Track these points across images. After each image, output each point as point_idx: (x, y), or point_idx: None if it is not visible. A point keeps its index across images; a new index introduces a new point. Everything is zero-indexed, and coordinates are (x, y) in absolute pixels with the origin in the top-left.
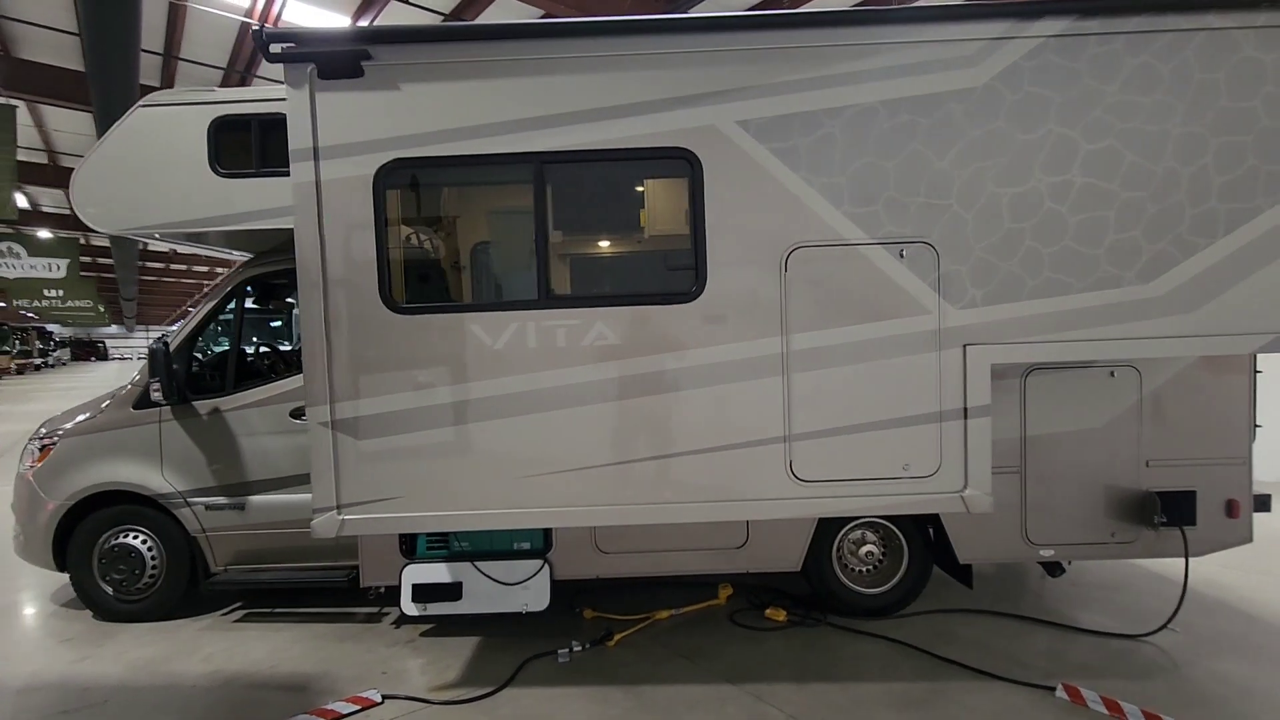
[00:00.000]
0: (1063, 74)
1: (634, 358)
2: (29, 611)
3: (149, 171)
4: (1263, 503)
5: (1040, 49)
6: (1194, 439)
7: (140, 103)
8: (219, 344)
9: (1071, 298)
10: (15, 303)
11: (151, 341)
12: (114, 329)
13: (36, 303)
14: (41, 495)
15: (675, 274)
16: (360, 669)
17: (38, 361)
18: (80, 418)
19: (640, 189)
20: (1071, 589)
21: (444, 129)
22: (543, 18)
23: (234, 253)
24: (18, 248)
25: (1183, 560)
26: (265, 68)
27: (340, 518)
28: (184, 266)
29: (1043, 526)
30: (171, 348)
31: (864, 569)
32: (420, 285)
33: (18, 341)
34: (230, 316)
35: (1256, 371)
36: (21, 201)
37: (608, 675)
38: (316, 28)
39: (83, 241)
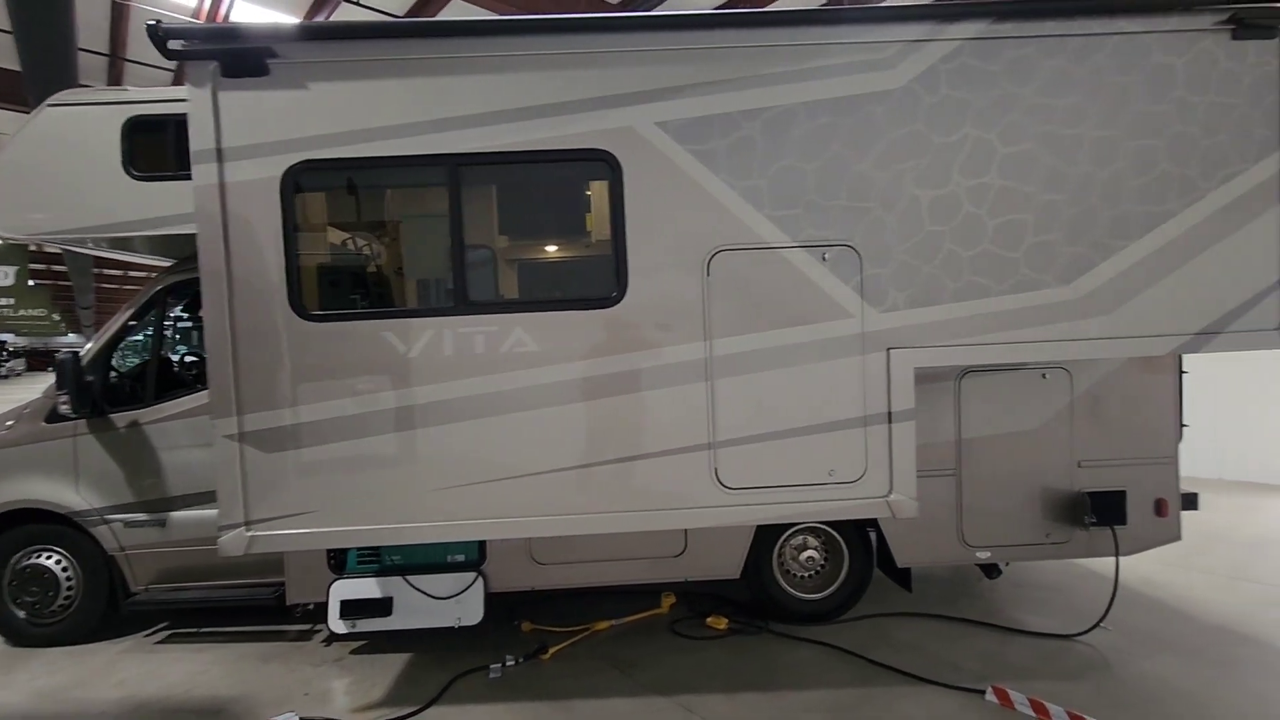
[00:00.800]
0: (980, 77)
1: (555, 365)
2: None
3: (59, 175)
4: (1190, 501)
5: (957, 52)
6: (1123, 439)
7: (47, 102)
8: (139, 354)
9: (992, 300)
10: None
11: (60, 352)
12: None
13: None
14: None
15: (596, 279)
16: (282, 690)
17: None
18: None
19: (561, 192)
20: (1013, 590)
21: (355, 129)
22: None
23: (159, 259)
24: None
25: (1114, 559)
26: None
27: (249, 534)
28: (144, 274)
29: (979, 529)
30: (86, 359)
31: (806, 574)
32: (332, 291)
33: None
34: (150, 325)
35: (1183, 372)
36: None
37: (539, 690)
38: (218, 24)
39: (33, 248)
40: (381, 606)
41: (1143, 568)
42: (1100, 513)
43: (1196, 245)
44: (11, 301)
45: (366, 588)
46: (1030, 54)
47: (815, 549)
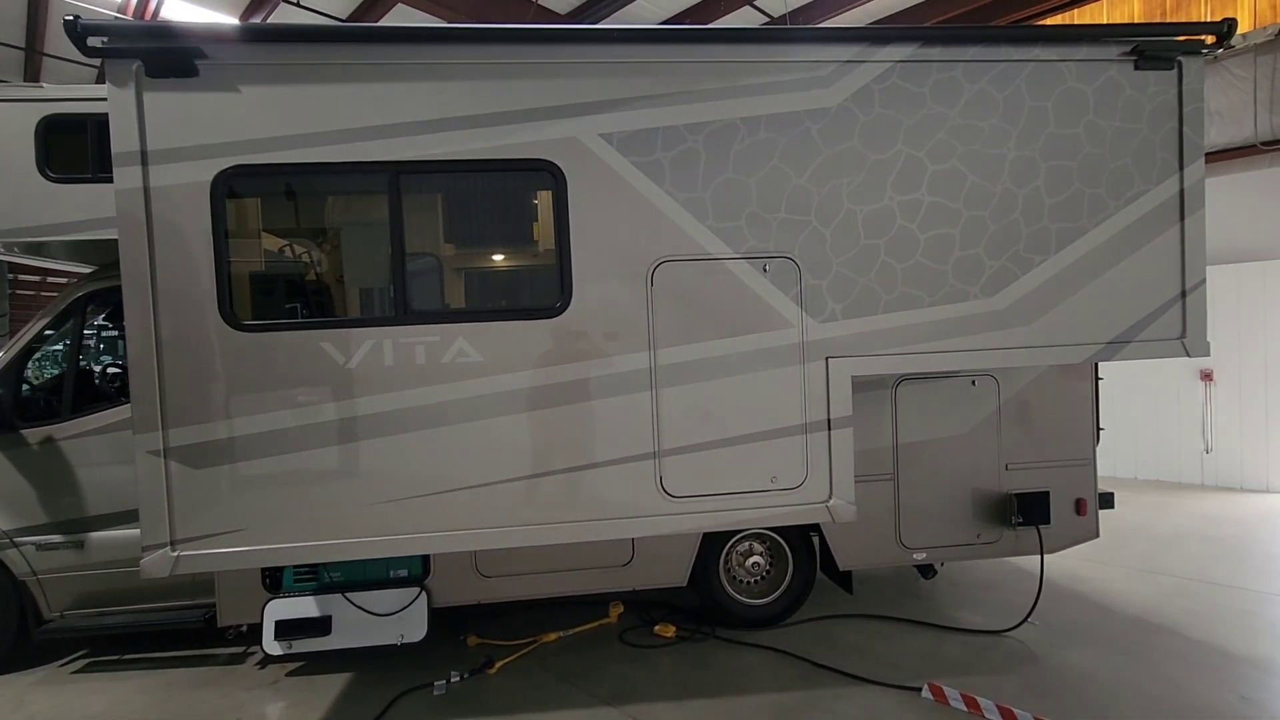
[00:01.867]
0: (910, 98)
1: (499, 375)
2: None
3: None
4: (1107, 500)
5: (889, 73)
6: (1046, 443)
7: None
8: (56, 365)
9: (923, 311)
10: None
11: None
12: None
13: None
14: None
15: (541, 289)
16: (213, 716)
17: None
18: None
19: (505, 201)
20: (949, 589)
21: (291, 134)
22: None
23: (78, 265)
24: None
25: (1039, 557)
26: None
27: (174, 554)
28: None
29: (915, 530)
30: None
31: (752, 580)
32: (267, 301)
33: None
34: (68, 335)
35: (1099, 379)
36: None
37: (484, 706)
38: (143, 21)
39: None
40: (320, 625)
41: (1066, 564)
42: (1026, 513)
43: (1107, 260)
44: None
45: (304, 606)
46: (956, 77)
47: (761, 555)
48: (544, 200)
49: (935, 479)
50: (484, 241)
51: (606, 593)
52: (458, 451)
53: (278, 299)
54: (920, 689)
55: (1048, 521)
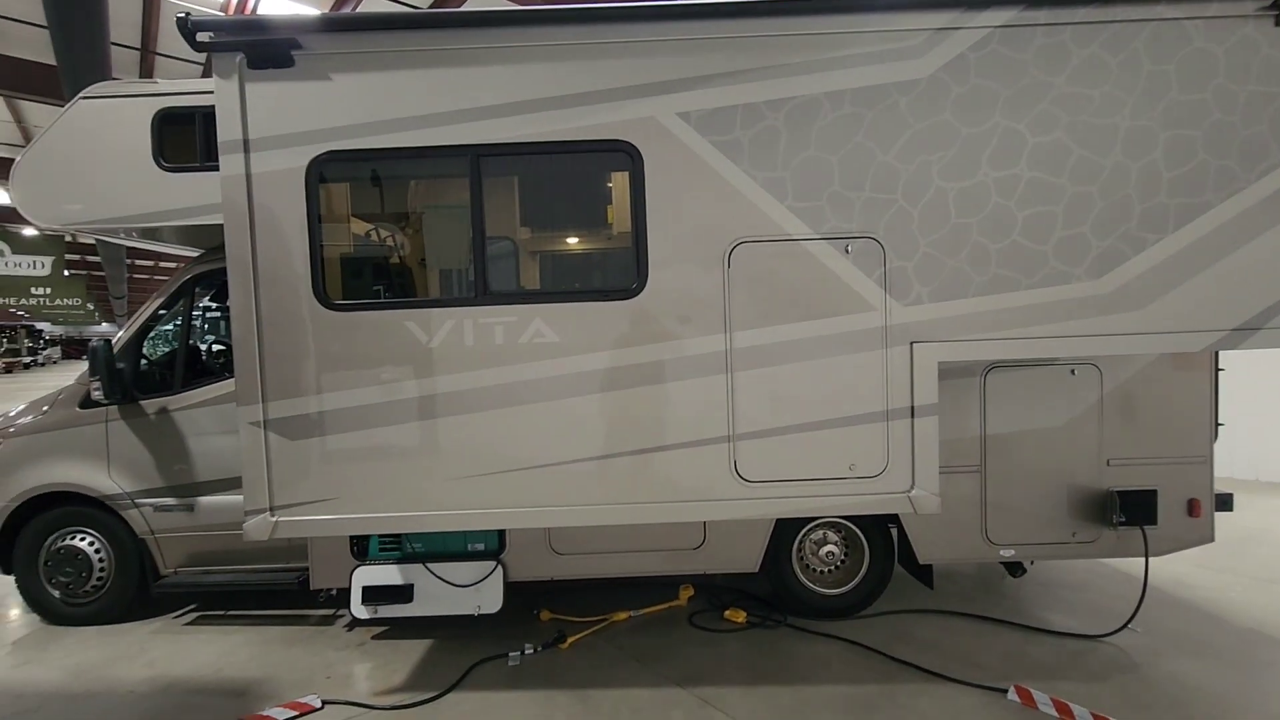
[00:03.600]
0: (1009, 66)
1: (574, 356)
2: None
3: (90, 165)
4: (1224, 502)
5: (987, 40)
6: (1155, 438)
7: (81, 94)
8: (169, 342)
9: (1019, 294)
10: (3, 301)
11: (93, 340)
12: (106, 327)
13: (25, 301)
14: None
15: (617, 270)
16: (305, 673)
17: (27, 360)
18: (26, 418)
19: (582, 183)
20: (1037, 589)
21: (378, 120)
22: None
23: (188, 249)
24: (2, 245)
25: (1144, 560)
26: None
27: (273, 520)
28: (174, 264)
29: (1003, 526)
30: (117, 346)
31: (825, 569)
32: (355, 281)
33: (5, 340)
34: (179, 314)
35: (1219, 369)
36: (1, 197)
37: (556, 679)
38: (244, 16)
39: (68, 239)
40: (402, 593)
41: (1174, 568)
42: (1129, 512)
43: (1234, 239)
44: (48, 291)
45: (388, 574)
46: (1063, 42)
47: (835, 544)
48: (620, 182)
49: (1027, 473)
50: (561, 223)
51: (677, 575)
52: (534, 430)
53: (365, 280)
54: (1006, 691)
55: (1154, 522)
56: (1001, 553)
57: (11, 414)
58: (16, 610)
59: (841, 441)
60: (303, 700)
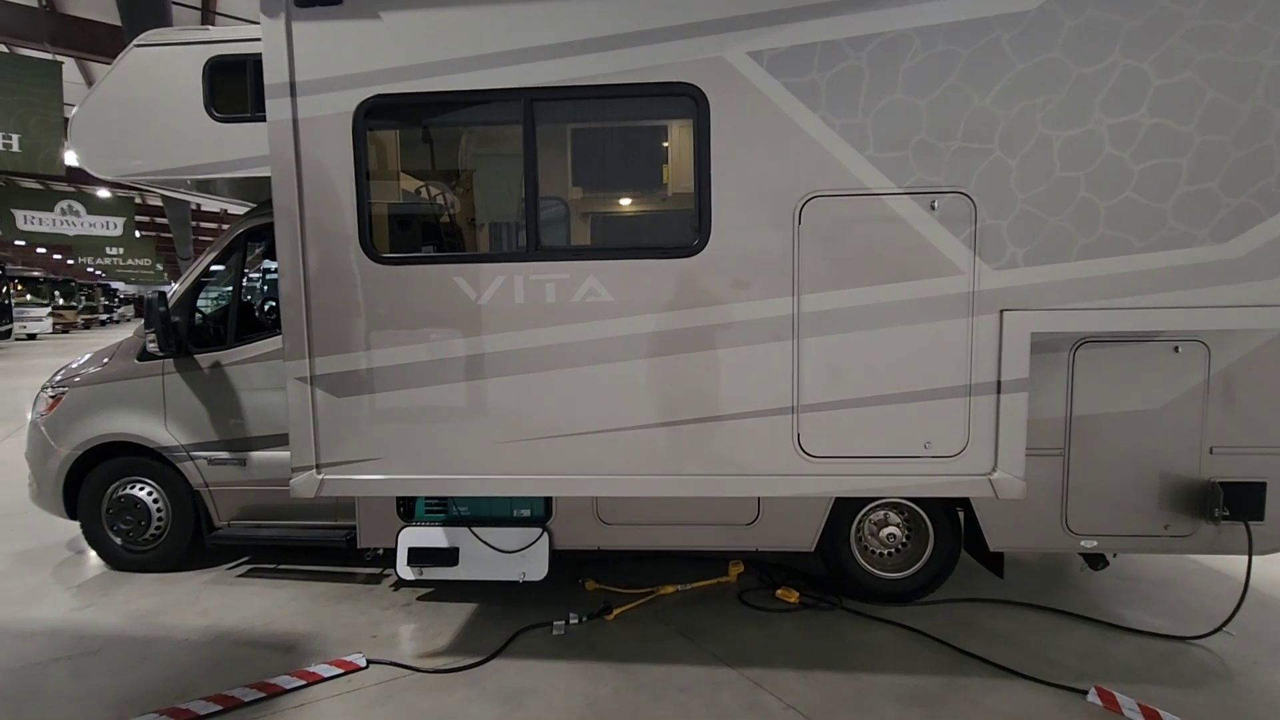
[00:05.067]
0: None
1: (629, 317)
2: (47, 557)
3: (144, 115)
4: None
5: None
6: (1268, 425)
7: (135, 42)
8: (223, 297)
9: (1131, 258)
10: (80, 260)
11: (149, 292)
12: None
13: (100, 260)
14: (52, 444)
15: (675, 226)
16: (351, 631)
17: (102, 317)
18: (90, 369)
19: (643, 132)
20: (1118, 584)
21: (426, 62)
22: None
23: (242, 203)
24: (78, 205)
25: (1247, 558)
26: None
27: (319, 477)
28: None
29: (1086, 515)
30: (172, 300)
31: (885, 552)
32: (403, 233)
33: (84, 298)
34: (232, 269)
35: None
36: (71, 159)
37: (602, 651)
38: None
39: (138, 201)
40: (448, 556)
41: (1273, 569)
42: (1233, 505)
43: None
44: (120, 251)
45: (434, 536)
46: None
47: (897, 526)
48: (683, 131)
49: (1116, 458)
50: (619, 175)
51: (726, 550)
52: (584, 395)
53: (414, 233)
54: (1086, 692)
55: (1261, 518)
56: (1083, 543)
57: (75, 365)
58: (83, 554)
59: (917, 417)
60: (348, 659)
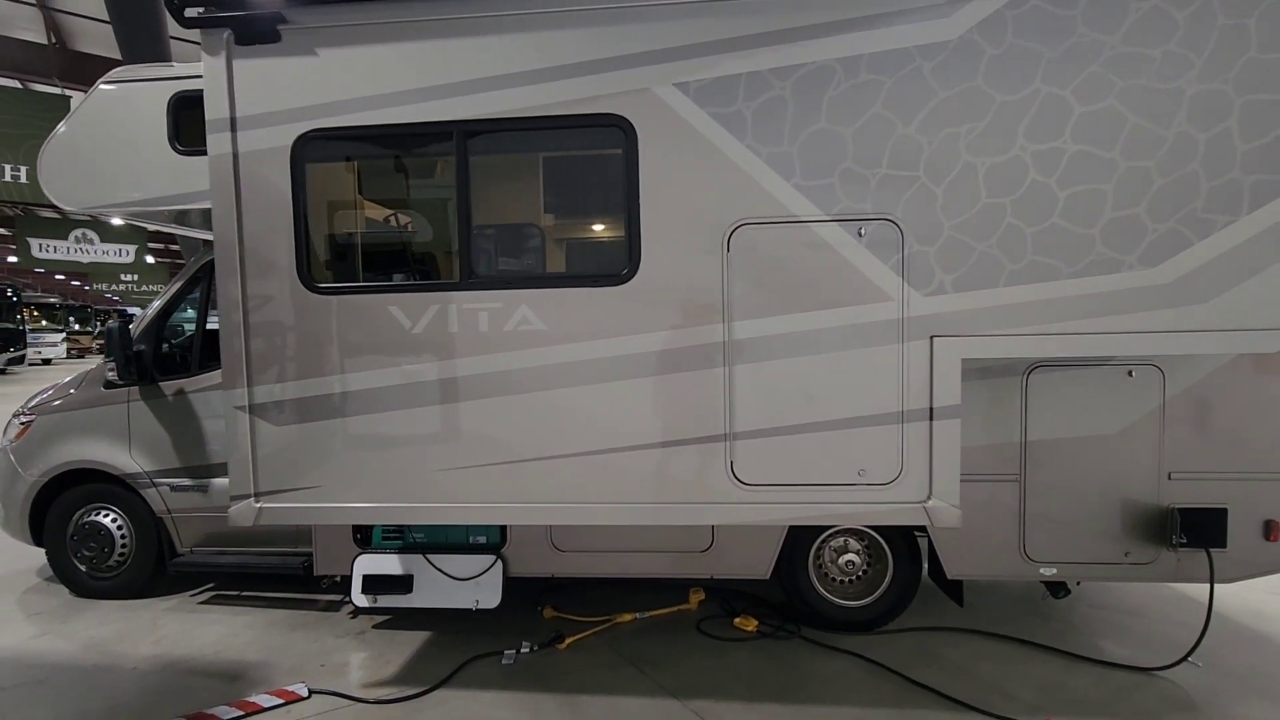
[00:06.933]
0: (1054, 23)
1: (561, 345)
2: (15, 584)
3: (110, 149)
4: None
5: None
6: (1227, 450)
7: (102, 79)
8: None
9: (1060, 284)
10: (96, 286)
11: (110, 320)
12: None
13: (115, 286)
14: (18, 471)
15: (605, 254)
16: (301, 659)
17: None
18: (58, 397)
19: (572, 162)
20: (1087, 612)
21: (361, 96)
22: None
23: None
24: (91, 234)
25: (1208, 587)
26: None
27: (257, 506)
28: None
29: (1044, 542)
30: (138, 328)
31: (845, 579)
32: (339, 264)
33: (99, 323)
34: (196, 298)
35: None
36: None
37: (549, 681)
38: None
39: (151, 229)
40: (403, 583)
41: (1252, 597)
42: (1192, 533)
43: None
44: (135, 277)
45: (389, 564)
46: None
47: (856, 553)
48: (612, 161)
49: (1073, 484)
50: (549, 205)
51: (682, 578)
52: (518, 422)
53: (349, 263)
54: None
55: (1223, 545)
56: (1041, 570)
57: (44, 393)
58: (50, 581)
59: (850, 444)
60: (291, 689)
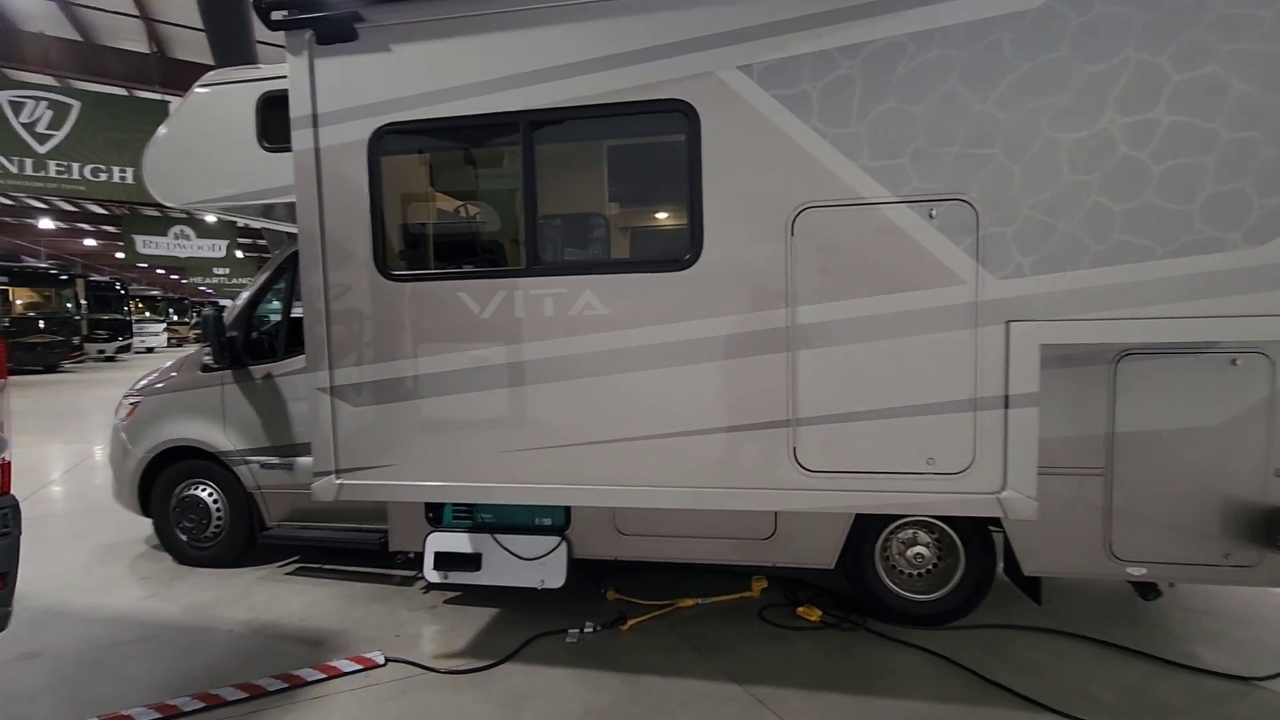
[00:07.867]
0: None
1: (624, 330)
2: (128, 550)
3: (204, 148)
4: None
5: None
6: None
7: (198, 82)
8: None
9: (1152, 265)
10: (192, 279)
11: (206, 308)
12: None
13: (208, 279)
14: (129, 447)
15: (668, 239)
16: (378, 629)
17: None
18: (161, 380)
19: (636, 147)
20: (1181, 616)
21: (432, 90)
22: None
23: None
24: (189, 230)
25: None
26: None
27: (337, 482)
28: None
29: (1133, 540)
30: (228, 316)
31: (914, 572)
32: (412, 252)
33: (195, 314)
34: (283, 288)
35: None
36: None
37: (611, 661)
38: None
39: (240, 224)
40: (472, 561)
41: None
42: None
43: None
44: (226, 271)
45: (459, 542)
46: None
47: (926, 545)
48: (675, 147)
49: (1168, 479)
50: (613, 194)
51: (743, 565)
52: (582, 406)
53: (422, 251)
54: None
55: None
56: (1129, 570)
57: (149, 376)
58: (157, 549)
59: (918, 431)
60: (369, 655)
